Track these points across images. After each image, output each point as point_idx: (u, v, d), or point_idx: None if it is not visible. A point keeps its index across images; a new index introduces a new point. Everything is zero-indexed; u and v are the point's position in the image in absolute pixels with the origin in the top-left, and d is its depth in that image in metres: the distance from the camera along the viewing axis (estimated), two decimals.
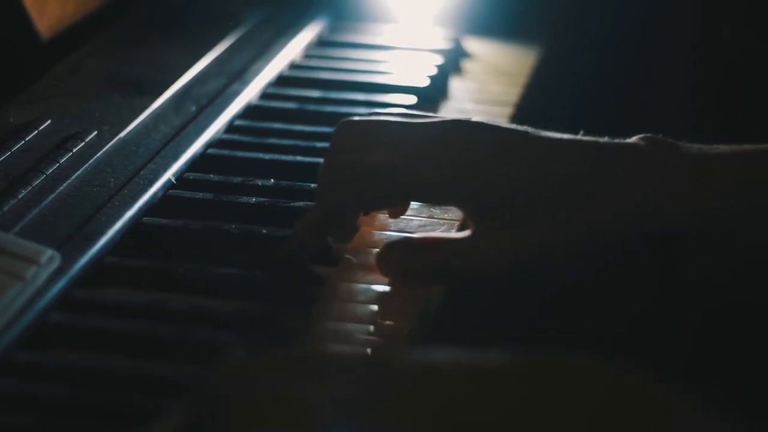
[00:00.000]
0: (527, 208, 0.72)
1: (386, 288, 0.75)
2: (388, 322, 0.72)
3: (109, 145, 0.86)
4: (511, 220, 0.73)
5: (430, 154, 0.74)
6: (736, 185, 0.73)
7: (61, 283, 0.71)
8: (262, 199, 0.82)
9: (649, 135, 0.75)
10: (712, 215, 0.73)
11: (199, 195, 0.83)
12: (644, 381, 0.49)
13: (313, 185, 0.84)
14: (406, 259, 0.75)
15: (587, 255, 0.73)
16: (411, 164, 0.74)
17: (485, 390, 0.49)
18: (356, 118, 0.78)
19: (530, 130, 0.75)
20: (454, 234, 0.76)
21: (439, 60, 1.08)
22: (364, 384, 0.50)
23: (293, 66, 1.07)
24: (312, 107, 0.98)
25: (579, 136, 0.75)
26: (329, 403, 0.49)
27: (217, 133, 0.92)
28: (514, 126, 0.76)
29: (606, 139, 0.75)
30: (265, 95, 1.00)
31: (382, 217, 0.82)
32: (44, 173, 0.80)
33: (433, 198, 0.79)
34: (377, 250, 0.77)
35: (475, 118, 0.76)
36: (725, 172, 0.73)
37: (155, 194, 0.82)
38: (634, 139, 0.75)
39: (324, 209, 0.76)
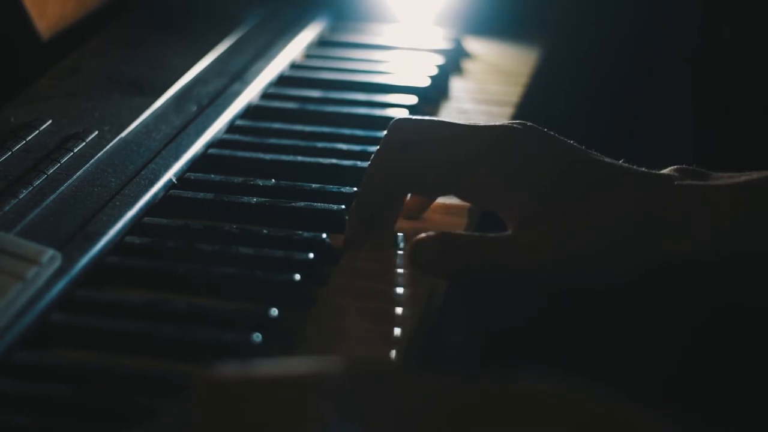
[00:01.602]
0: (566, 217, 0.74)
1: (385, 288, 0.75)
2: (387, 323, 0.72)
3: (110, 145, 0.86)
4: (550, 227, 0.73)
5: (483, 158, 0.76)
6: (756, 216, 0.74)
7: (62, 284, 0.71)
8: (263, 199, 0.82)
9: (681, 166, 0.76)
10: (727, 245, 0.74)
11: (200, 195, 0.83)
12: (629, 409, 0.50)
13: (313, 185, 0.85)
14: (444, 254, 0.75)
15: (607, 267, 0.74)
16: (462, 166, 0.76)
17: (476, 414, 0.49)
18: (411, 116, 0.81)
19: (575, 144, 0.77)
20: (492, 234, 0.76)
21: (440, 60, 1.08)
22: (351, 407, 0.50)
23: (294, 66, 1.07)
24: (312, 107, 0.98)
25: (620, 162, 0.77)
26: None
27: (217, 133, 0.92)
28: (560, 137, 0.77)
29: (643, 169, 0.76)
30: (265, 95, 1.00)
31: None
32: (45, 173, 0.80)
33: (476, 199, 0.79)
34: (412, 241, 0.76)
35: (529, 124, 0.77)
36: (749, 203, 0.74)
37: (156, 194, 0.82)
38: (668, 170, 0.76)
39: (371, 197, 0.78)
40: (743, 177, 0.74)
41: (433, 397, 0.50)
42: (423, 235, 0.76)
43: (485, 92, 1.06)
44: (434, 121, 0.79)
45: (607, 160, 0.76)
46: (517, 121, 0.78)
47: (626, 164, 0.76)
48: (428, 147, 0.77)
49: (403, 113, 0.96)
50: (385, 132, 0.79)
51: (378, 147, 0.79)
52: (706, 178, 0.75)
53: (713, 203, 0.73)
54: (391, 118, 0.79)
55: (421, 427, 0.49)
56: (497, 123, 0.78)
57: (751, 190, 0.73)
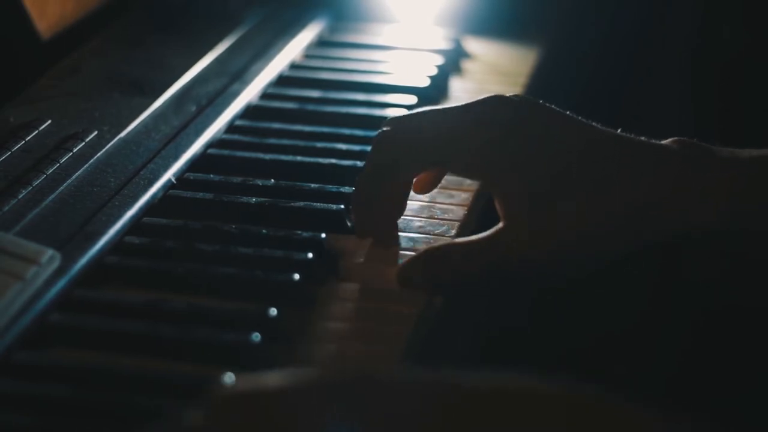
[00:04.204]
0: (564, 192, 0.73)
1: (385, 288, 0.75)
2: (386, 324, 0.72)
3: (110, 145, 0.86)
4: (549, 205, 0.73)
5: (479, 128, 0.77)
6: (756, 191, 0.73)
7: (61, 283, 0.71)
8: (262, 199, 0.82)
9: (682, 138, 0.75)
10: (721, 218, 0.73)
11: (200, 195, 0.83)
12: (627, 408, 0.50)
13: (313, 185, 0.85)
14: (441, 267, 0.75)
15: (603, 247, 0.74)
16: (460, 139, 0.77)
17: (474, 414, 0.49)
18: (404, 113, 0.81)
19: (573, 116, 0.77)
20: (482, 234, 0.75)
21: (439, 60, 1.08)
22: (351, 408, 0.50)
23: (293, 66, 1.07)
24: (312, 107, 0.98)
25: (617, 132, 0.76)
26: None
27: (217, 133, 0.92)
28: (561, 110, 0.77)
29: (642, 138, 0.75)
30: (265, 95, 1.00)
31: None
32: (44, 173, 0.80)
33: (478, 172, 0.79)
34: (402, 263, 0.76)
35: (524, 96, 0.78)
36: (753, 177, 0.73)
37: (155, 194, 0.82)
38: (667, 141, 0.75)
39: (371, 177, 0.78)
40: (745, 152, 0.74)
41: (431, 397, 0.50)
42: (415, 256, 0.76)
43: (485, 92, 1.05)
44: (428, 108, 0.80)
45: (610, 133, 0.76)
46: (513, 94, 0.78)
47: (627, 135, 0.76)
48: (424, 124, 0.77)
49: (403, 113, 0.96)
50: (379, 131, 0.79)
51: (372, 143, 0.79)
52: (708, 152, 0.74)
53: (716, 179, 0.73)
54: None
55: (420, 428, 0.49)
56: (494, 95, 0.78)
57: (752, 166, 0.73)
